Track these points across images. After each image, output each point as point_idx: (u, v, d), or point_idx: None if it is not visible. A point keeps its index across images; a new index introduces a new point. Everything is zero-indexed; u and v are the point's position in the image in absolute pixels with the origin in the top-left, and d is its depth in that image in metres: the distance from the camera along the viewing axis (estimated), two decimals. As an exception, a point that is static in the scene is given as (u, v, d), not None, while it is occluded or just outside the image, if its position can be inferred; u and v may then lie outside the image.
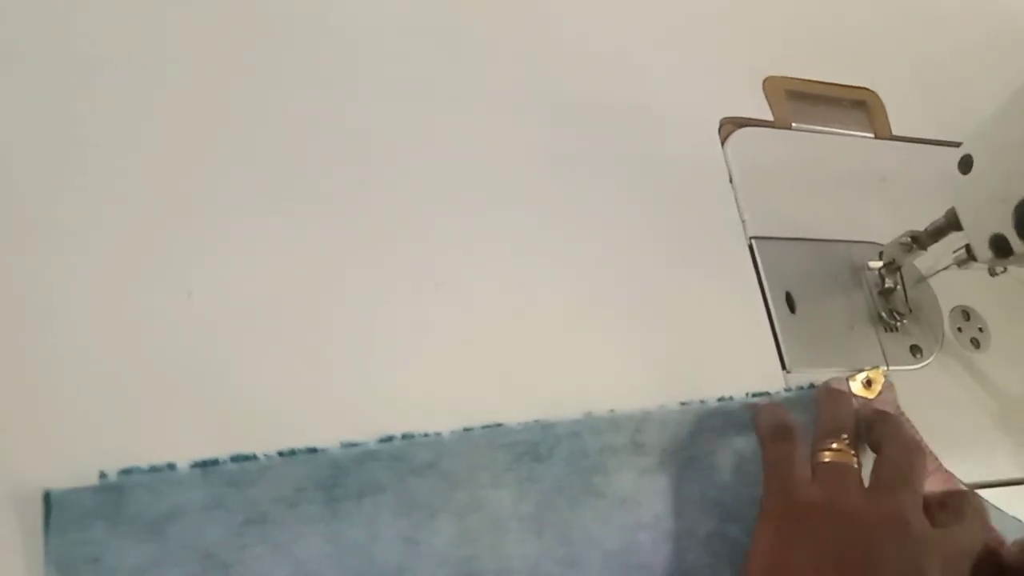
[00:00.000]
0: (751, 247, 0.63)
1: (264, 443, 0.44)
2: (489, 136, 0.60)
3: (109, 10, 0.54)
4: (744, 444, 0.53)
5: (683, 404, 0.54)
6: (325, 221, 0.53)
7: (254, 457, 0.44)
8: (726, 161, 0.67)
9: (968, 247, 0.56)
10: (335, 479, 0.44)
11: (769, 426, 0.52)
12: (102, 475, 0.40)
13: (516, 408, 0.50)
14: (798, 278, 0.64)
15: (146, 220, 0.49)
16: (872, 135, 0.76)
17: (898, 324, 0.65)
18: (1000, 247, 0.53)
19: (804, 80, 0.75)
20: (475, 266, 0.55)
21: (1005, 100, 0.52)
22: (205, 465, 0.43)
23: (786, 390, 0.57)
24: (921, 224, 0.60)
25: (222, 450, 0.43)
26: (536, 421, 0.50)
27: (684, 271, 0.60)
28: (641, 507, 0.50)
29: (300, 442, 0.45)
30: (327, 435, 0.46)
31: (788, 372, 0.59)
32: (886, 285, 0.65)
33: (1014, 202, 0.50)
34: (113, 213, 0.48)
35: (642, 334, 0.57)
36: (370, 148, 0.57)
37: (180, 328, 0.47)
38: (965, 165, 0.55)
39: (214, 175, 0.52)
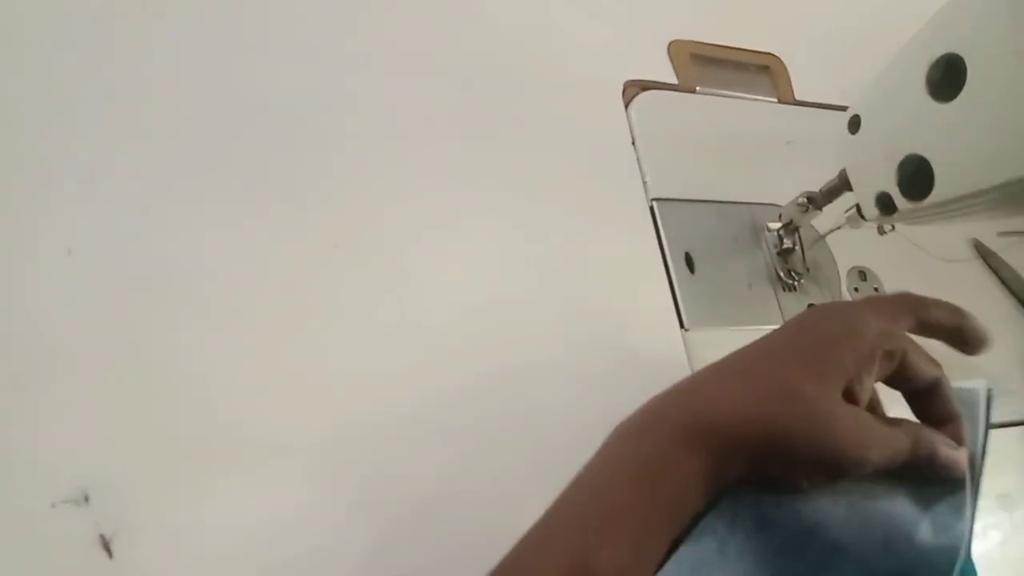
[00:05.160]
0: (652, 208, 0.64)
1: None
2: (390, 100, 0.60)
3: None
4: None
5: None
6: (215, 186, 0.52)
7: None
8: (629, 123, 0.67)
9: (858, 206, 0.58)
10: None
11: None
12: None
13: (423, 368, 0.51)
14: (699, 239, 0.65)
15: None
16: (776, 99, 0.77)
17: (796, 283, 0.67)
18: (886, 204, 0.54)
19: (709, 44, 0.76)
20: (374, 233, 0.55)
21: (889, 61, 0.53)
22: None
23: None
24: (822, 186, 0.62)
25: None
26: None
27: (585, 232, 0.61)
28: None
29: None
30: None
31: (686, 331, 0.60)
32: (784, 245, 0.67)
33: (897, 160, 0.52)
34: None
35: (543, 293, 0.57)
36: (269, 114, 0.55)
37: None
38: (853, 125, 0.56)
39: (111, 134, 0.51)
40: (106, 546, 0.41)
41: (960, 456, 0.37)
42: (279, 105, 0.56)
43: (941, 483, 0.36)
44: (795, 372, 0.35)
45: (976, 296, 0.75)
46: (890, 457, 0.35)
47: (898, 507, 0.36)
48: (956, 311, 0.41)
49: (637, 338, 0.58)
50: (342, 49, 0.60)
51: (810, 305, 0.66)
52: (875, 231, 0.61)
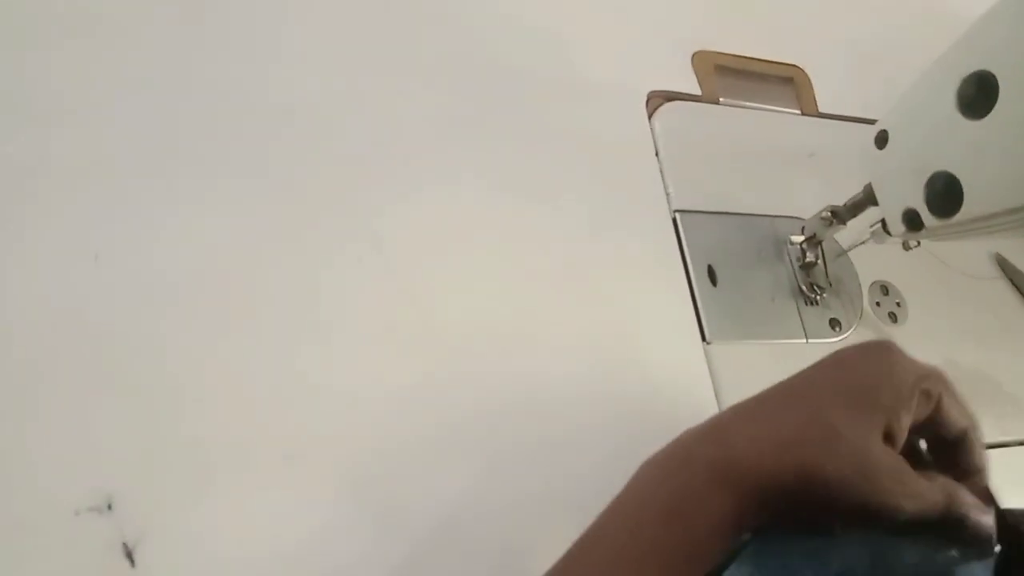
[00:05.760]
0: (675, 220, 0.64)
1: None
2: (414, 106, 0.60)
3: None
4: None
5: None
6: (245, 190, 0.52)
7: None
8: (652, 134, 0.67)
9: (883, 221, 0.57)
10: None
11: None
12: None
13: (443, 379, 0.51)
14: (721, 251, 0.64)
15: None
16: (799, 111, 0.77)
17: (818, 298, 0.66)
18: (912, 221, 0.53)
19: (733, 55, 0.75)
20: (396, 243, 0.55)
21: (919, 77, 0.53)
22: None
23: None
24: (846, 200, 0.61)
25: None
26: None
27: (608, 243, 0.60)
28: None
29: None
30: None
31: (708, 344, 0.59)
32: (807, 259, 0.66)
33: (925, 177, 0.51)
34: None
35: (565, 304, 0.57)
36: (296, 117, 0.56)
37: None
38: (881, 140, 0.55)
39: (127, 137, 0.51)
40: (129, 554, 0.41)
41: (988, 520, 0.35)
42: (280, 106, 0.56)
43: (968, 540, 0.35)
44: (835, 411, 0.34)
45: (998, 312, 0.74)
46: (922, 511, 0.33)
47: (924, 559, 0.35)
48: (970, 415, 0.38)
49: (658, 351, 0.57)
50: (352, 54, 0.60)
51: (832, 320, 0.66)
52: (898, 246, 0.60)
